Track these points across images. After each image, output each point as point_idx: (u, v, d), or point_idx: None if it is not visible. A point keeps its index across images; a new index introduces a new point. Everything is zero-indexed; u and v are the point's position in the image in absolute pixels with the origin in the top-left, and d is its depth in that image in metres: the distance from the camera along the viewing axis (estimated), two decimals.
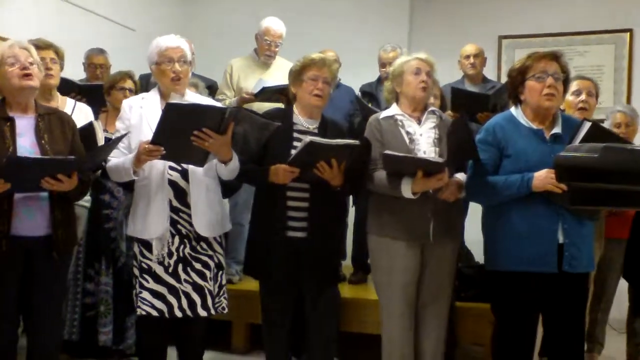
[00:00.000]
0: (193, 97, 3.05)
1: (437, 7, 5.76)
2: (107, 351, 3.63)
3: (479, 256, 4.06)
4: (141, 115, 2.90)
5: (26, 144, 2.59)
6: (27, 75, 2.58)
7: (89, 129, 3.08)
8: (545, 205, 2.57)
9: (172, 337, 3.17)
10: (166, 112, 2.59)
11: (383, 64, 4.22)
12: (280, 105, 3.75)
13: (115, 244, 3.61)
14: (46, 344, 2.71)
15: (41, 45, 3.14)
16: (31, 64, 2.62)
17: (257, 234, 3.04)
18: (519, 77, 2.67)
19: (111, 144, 2.78)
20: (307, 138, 2.69)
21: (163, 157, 2.74)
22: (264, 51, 4.31)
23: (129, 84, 3.70)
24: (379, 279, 2.88)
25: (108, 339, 3.57)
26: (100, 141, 3.07)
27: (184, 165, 2.88)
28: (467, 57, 4.39)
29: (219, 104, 3.17)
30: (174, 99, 2.79)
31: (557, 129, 2.65)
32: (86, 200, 3.37)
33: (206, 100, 3.13)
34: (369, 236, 2.91)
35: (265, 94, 3.95)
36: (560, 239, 2.58)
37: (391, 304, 2.81)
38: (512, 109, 2.76)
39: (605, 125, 3.59)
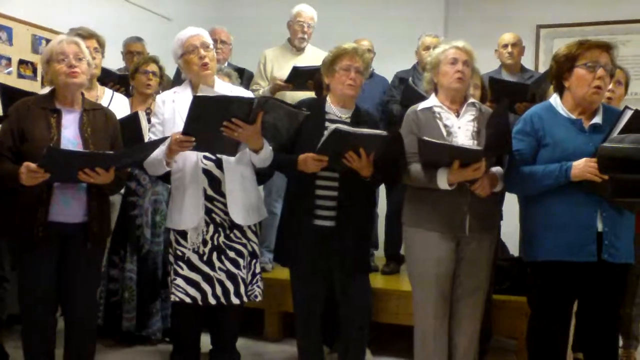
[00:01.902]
0: (223, 86, 3.06)
1: None
2: (131, 336, 3.69)
3: (513, 249, 4.04)
4: (174, 109, 2.95)
5: (70, 136, 2.66)
6: (74, 73, 2.64)
7: (134, 118, 3.12)
8: (584, 194, 2.52)
9: (206, 324, 3.22)
10: (194, 105, 2.63)
11: (427, 47, 4.16)
12: (312, 93, 3.74)
13: (140, 231, 3.65)
14: (82, 327, 2.78)
15: (84, 35, 3.19)
16: (80, 59, 2.67)
17: (286, 222, 3.05)
18: (566, 63, 2.59)
19: (151, 144, 2.81)
20: (332, 126, 2.68)
21: (195, 148, 2.78)
22: (297, 34, 4.32)
23: (153, 67, 3.72)
24: (412, 270, 2.85)
25: (131, 324, 3.62)
26: (145, 130, 3.11)
27: (218, 155, 2.90)
28: (505, 46, 4.30)
29: (249, 93, 3.19)
30: (203, 92, 2.81)
31: (597, 119, 2.59)
32: None
33: (238, 90, 3.14)
34: (404, 227, 2.88)
35: (297, 77, 3.92)
36: (599, 228, 2.53)
37: (424, 296, 2.79)
38: (552, 99, 2.70)
39: None
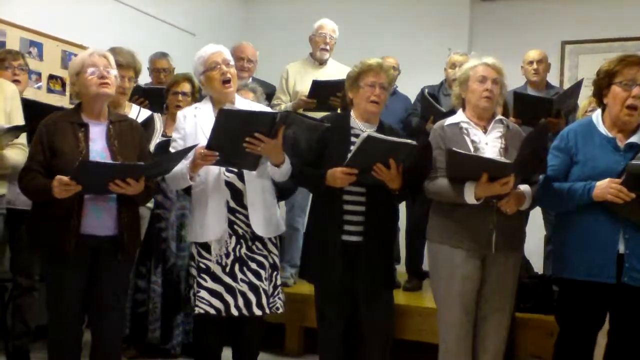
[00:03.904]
0: (243, 103, 3.10)
1: (499, 13, 5.67)
2: (154, 348, 3.69)
3: (538, 266, 4.00)
4: (196, 124, 2.97)
5: (98, 148, 2.71)
6: (105, 84, 2.70)
7: (151, 119, 3.19)
8: (607, 214, 2.49)
9: (227, 337, 3.22)
10: (220, 118, 2.66)
11: (453, 65, 4.17)
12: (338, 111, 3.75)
13: (166, 244, 3.67)
14: (109, 339, 2.79)
15: (123, 63, 3.27)
16: (109, 71, 2.73)
17: (313, 237, 3.05)
18: (605, 79, 2.56)
19: (178, 154, 2.83)
20: (365, 133, 2.67)
21: (217, 163, 2.80)
22: (319, 46, 4.35)
23: (184, 87, 3.73)
24: (437, 287, 2.83)
25: (154, 336, 3.64)
26: (158, 132, 3.15)
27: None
28: (531, 62, 4.28)
29: (268, 109, 3.21)
30: (226, 107, 2.83)
31: (634, 138, 2.55)
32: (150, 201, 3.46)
33: (258, 106, 3.16)
34: (428, 243, 2.86)
35: (319, 92, 3.92)
36: (621, 249, 2.49)
37: (449, 313, 2.75)
38: (594, 115, 2.67)
39: None
